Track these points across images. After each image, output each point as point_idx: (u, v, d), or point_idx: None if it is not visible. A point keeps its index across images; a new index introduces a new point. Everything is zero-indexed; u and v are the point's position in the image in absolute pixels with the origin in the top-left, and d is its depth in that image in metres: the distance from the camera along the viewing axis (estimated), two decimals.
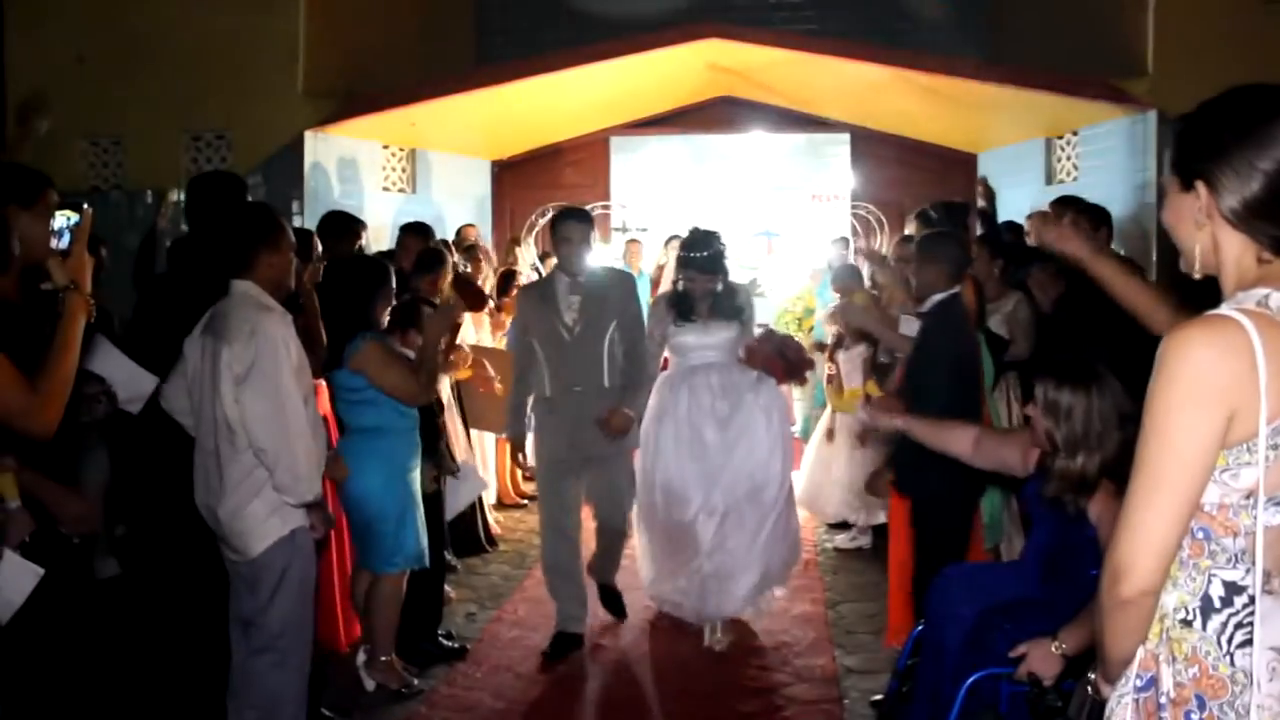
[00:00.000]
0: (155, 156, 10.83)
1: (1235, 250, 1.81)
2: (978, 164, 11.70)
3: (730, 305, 5.61)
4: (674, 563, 5.57)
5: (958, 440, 3.85)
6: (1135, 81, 8.86)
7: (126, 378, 3.84)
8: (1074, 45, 9.96)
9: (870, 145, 12.14)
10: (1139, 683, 1.81)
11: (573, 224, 5.42)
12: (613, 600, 5.89)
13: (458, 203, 11.84)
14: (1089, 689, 1.93)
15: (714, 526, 5.42)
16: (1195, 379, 1.67)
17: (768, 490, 5.48)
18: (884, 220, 11.86)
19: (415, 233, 7.12)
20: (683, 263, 5.63)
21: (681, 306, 5.61)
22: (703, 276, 5.53)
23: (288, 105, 10.17)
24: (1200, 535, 1.77)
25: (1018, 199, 9.89)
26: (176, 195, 10.36)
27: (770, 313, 10.36)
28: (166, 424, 3.91)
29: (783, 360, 5.54)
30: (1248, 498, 1.73)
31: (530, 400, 5.61)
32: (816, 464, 7.64)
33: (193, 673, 4.14)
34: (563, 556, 5.51)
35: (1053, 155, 10.60)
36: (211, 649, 3.97)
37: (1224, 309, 1.74)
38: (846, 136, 12.17)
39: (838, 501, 7.47)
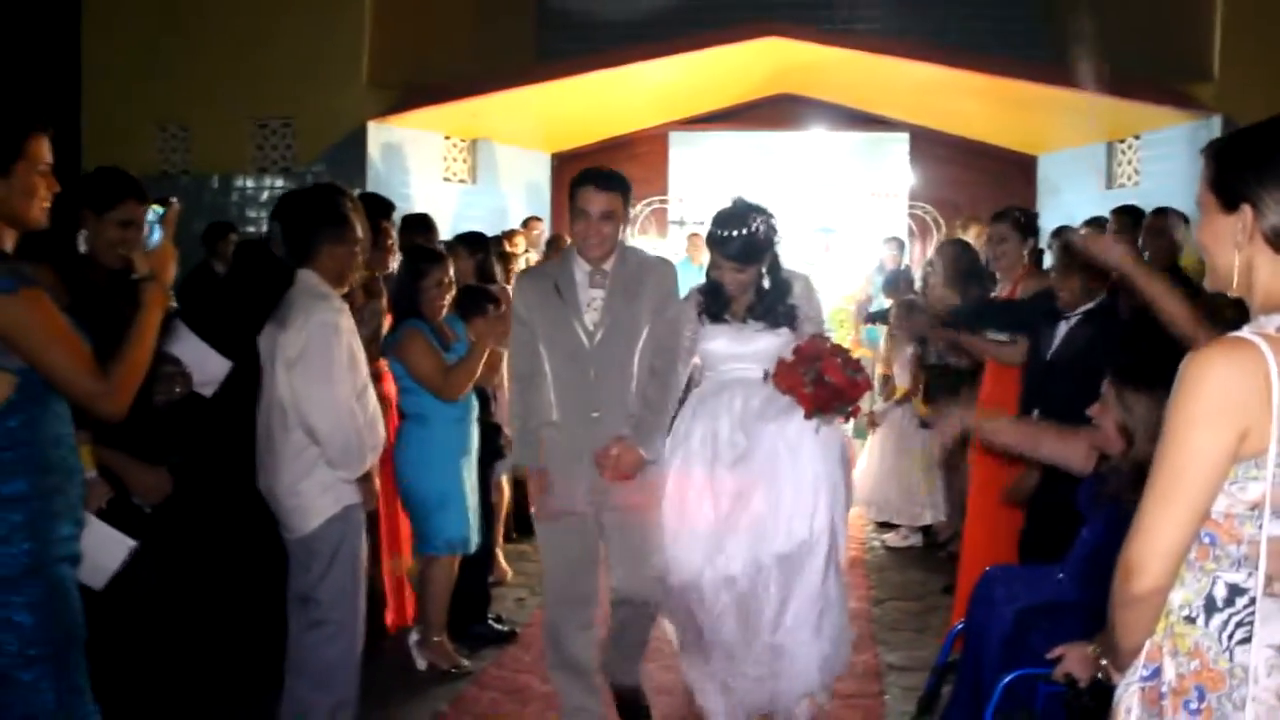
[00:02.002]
0: (222, 143, 11.13)
1: (1266, 272, 1.89)
2: (1037, 166, 11.66)
3: (777, 306, 4.16)
4: (691, 650, 4.28)
5: (1077, 451, 3.75)
6: (1200, 86, 8.82)
7: (202, 362, 3.98)
8: (1137, 48, 9.90)
9: (929, 145, 12.14)
10: (1145, 672, 1.93)
11: (592, 190, 3.96)
12: (634, 713, 4.35)
13: (518, 194, 11.99)
14: (1100, 676, 2.03)
15: (726, 604, 4.04)
16: (1211, 397, 1.79)
17: (804, 556, 4.02)
18: (941, 220, 11.85)
19: (465, 244, 6.40)
20: (711, 244, 4.17)
21: (712, 303, 4.21)
22: (733, 266, 4.08)
23: (352, 95, 10.37)
24: (1207, 540, 1.89)
25: (1079, 203, 9.86)
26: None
27: (824, 311, 10.42)
28: (235, 409, 4.05)
29: (817, 385, 3.97)
30: (1252, 509, 1.85)
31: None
32: (867, 457, 7.69)
33: (253, 647, 4.31)
34: (579, 651, 4.19)
35: (1114, 160, 10.55)
36: (270, 624, 4.11)
37: (1245, 332, 1.84)
38: (905, 135, 12.18)
39: (885, 501, 7.50)
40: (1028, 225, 5.26)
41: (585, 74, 10.29)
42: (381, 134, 10.44)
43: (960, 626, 4.09)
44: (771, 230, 4.12)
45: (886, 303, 8.18)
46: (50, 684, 2.63)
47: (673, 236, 12.13)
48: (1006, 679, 3.48)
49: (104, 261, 3.47)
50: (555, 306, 4.06)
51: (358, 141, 10.35)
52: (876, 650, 5.42)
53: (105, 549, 3.12)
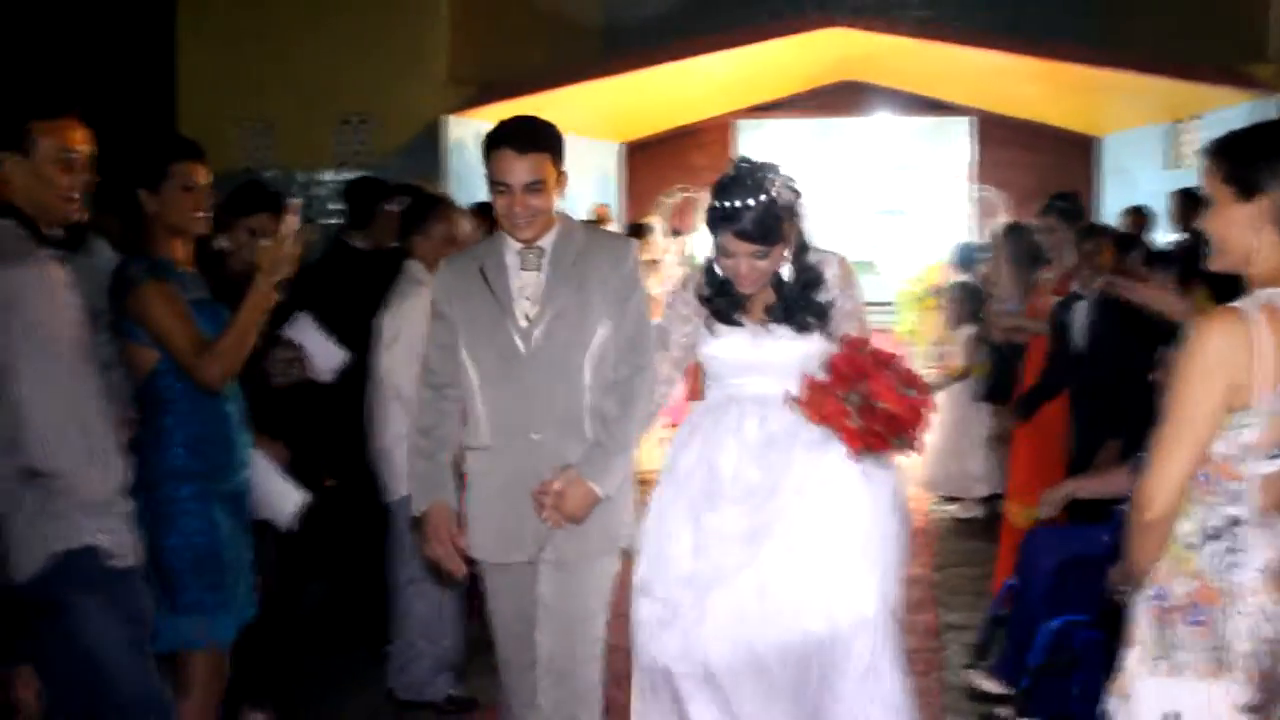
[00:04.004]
0: (304, 139, 11.61)
1: (1271, 252, 2.20)
2: (1099, 147, 11.78)
3: (804, 300, 3.07)
4: None
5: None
6: (1260, 66, 8.92)
7: (320, 349, 4.37)
8: (1197, 29, 10.01)
9: (991, 128, 12.31)
10: (1153, 592, 2.27)
11: (511, 155, 2.94)
12: None
13: (589, 184, 12.34)
14: (1115, 597, 2.36)
15: (712, 704, 2.96)
16: (1205, 356, 2.14)
17: (847, 647, 2.87)
18: (1004, 202, 12.03)
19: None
20: (713, 219, 3.01)
21: (719, 298, 3.12)
22: (748, 249, 2.96)
23: (429, 91, 10.78)
24: (1204, 479, 2.22)
25: (1142, 183, 9.99)
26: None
27: (889, 295, 10.66)
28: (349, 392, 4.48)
29: (866, 413, 2.81)
30: (1246, 451, 2.19)
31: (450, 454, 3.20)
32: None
33: (362, 600, 4.77)
34: None
35: (1175, 140, 10.64)
36: (377, 581, 4.57)
37: (1239, 302, 2.18)
38: (968, 119, 12.35)
39: (945, 477, 7.74)
40: (1072, 211, 5.53)
41: (653, 66, 10.60)
42: (457, 128, 10.84)
43: (1011, 582, 4.40)
44: (795, 196, 3.02)
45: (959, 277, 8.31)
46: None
47: None
48: (1052, 625, 3.80)
49: (234, 259, 3.92)
50: (480, 297, 3.09)
51: (434, 136, 10.77)
52: (937, 612, 5.73)
53: (284, 498, 3.67)
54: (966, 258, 8.60)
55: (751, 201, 2.93)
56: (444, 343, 3.16)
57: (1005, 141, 12.26)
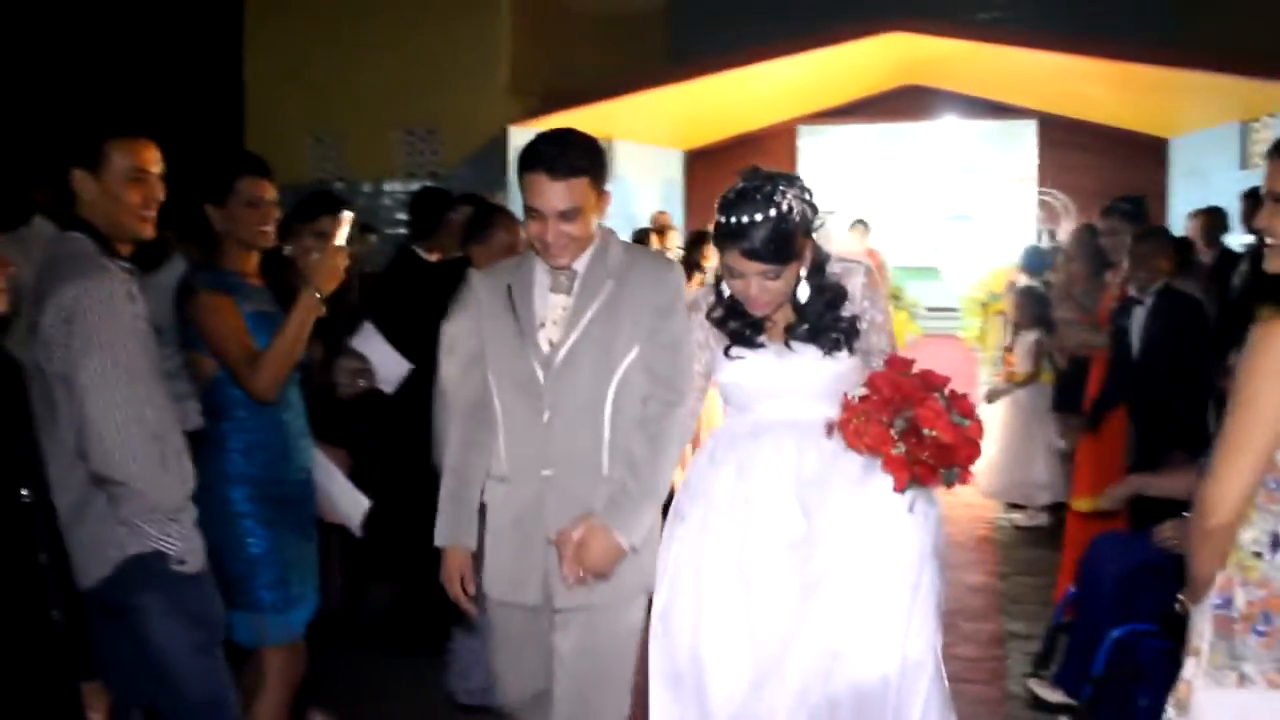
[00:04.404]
0: (370, 150, 11.82)
1: None
2: (1169, 149, 11.60)
3: (829, 320, 2.79)
4: None
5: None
6: None
7: (384, 360, 4.45)
8: (1267, 27, 9.83)
9: (1057, 130, 12.17)
10: (1218, 601, 2.23)
11: (544, 180, 2.69)
12: None
13: (651, 191, 12.39)
14: (1177, 607, 2.33)
15: None
16: (1269, 361, 2.10)
17: (887, 702, 2.65)
18: (1071, 205, 11.89)
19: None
20: (719, 236, 2.72)
21: (739, 324, 2.84)
22: (760, 269, 2.67)
23: (493, 102, 10.91)
24: (1273, 485, 2.18)
25: (1215, 185, 9.81)
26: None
27: (952, 299, 10.58)
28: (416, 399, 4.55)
29: (912, 440, 2.54)
30: None
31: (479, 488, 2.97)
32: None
33: (424, 604, 4.85)
34: None
35: (1249, 139, 10.45)
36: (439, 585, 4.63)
37: None
38: (1033, 122, 12.22)
39: (1010, 484, 7.66)
40: (1135, 214, 5.46)
41: (717, 73, 10.62)
42: (522, 138, 10.83)
43: (1074, 590, 4.35)
44: (809, 208, 2.71)
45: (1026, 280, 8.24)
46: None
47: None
48: (1115, 633, 3.76)
49: (301, 265, 3.98)
50: (504, 318, 2.86)
51: (499, 146, 10.88)
52: (1000, 620, 5.68)
53: (351, 503, 3.76)
54: (1035, 262, 8.51)
55: (760, 217, 2.63)
56: (474, 361, 2.96)
57: (1071, 144, 12.11)
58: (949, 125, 12.39)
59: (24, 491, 2.25)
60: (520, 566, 2.84)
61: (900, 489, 2.60)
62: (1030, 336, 7.26)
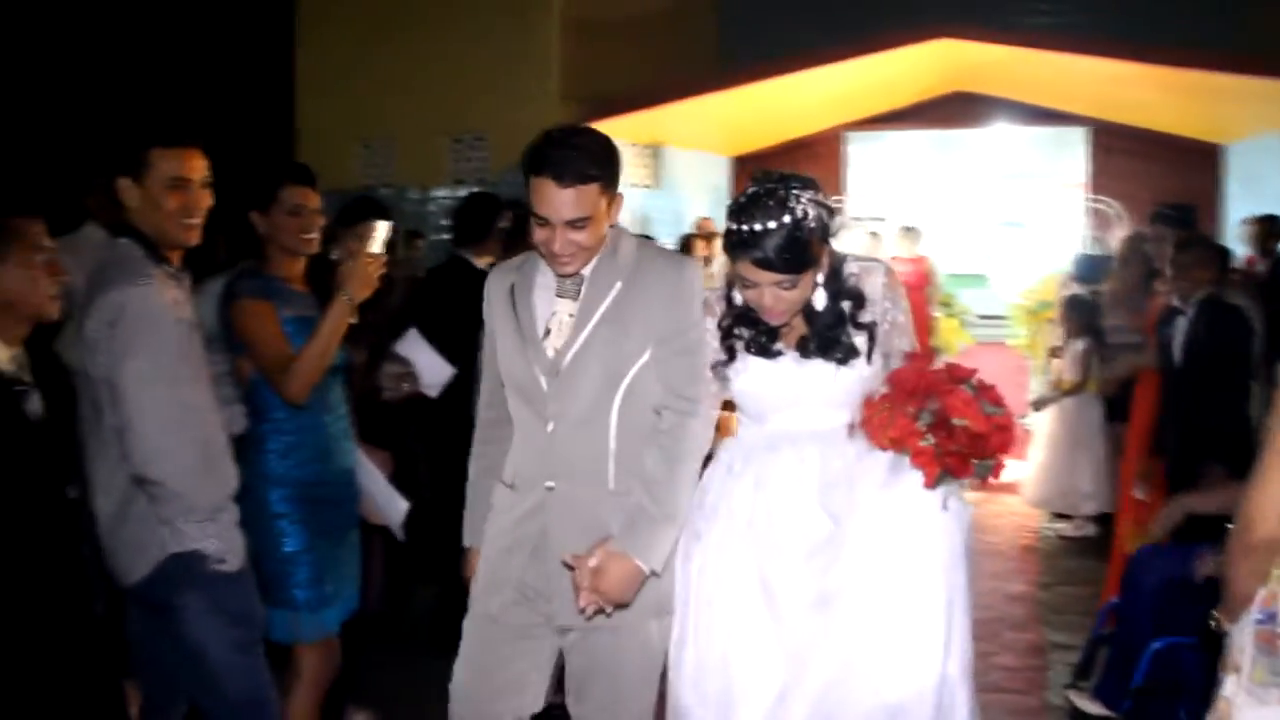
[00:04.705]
0: (419, 156, 11.95)
1: None
2: (1225, 155, 11.43)
3: (840, 332, 2.66)
4: None
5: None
6: None
7: (428, 365, 4.50)
8: None
9: (1109, 137, 12.01)
10: (1260, 616, 2.16)
11: (552, 187, 2.52)
12: None
13: (699, 197, 12.39)
14: (1212, 623, 2.30)
15: None
16: None
17: (916, 715, 2.51)
18: (1123, 212, 11.74)
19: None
20: (730, 245, 2.58)
21: (747, 328, 2.72)
22: (774, 279, 2.53)
23: (543, 109, 10.94)
24: None
25: (1272, 193, 9.64)
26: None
27: (1002, 307, 10.49)
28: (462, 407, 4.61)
29: (941, 432, 2.47)
30: None
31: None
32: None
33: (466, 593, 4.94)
34: None
35: None
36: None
37: None
38: (1084, 129, 12.09)
39: (1056, 494, 7.61)
40: (1181, 220, 5.41)
41: (766, 79, 10.61)
42: None
43: (1115, 601, 4.32)
44: (825, 212, 2.56)
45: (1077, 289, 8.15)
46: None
47: (849, 235, 12.33)
48: (1155, 646, 3.73)
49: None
50: (508, 320, 2.73)
51: None
52: (1042, 630, 5.64)
53: (391, 505, 3.82)
54: (1089, 270, 8.42)
55: (773, 224, 2.48)
56: (491, 365, 2.82)
57: (1123, 151, 11.94)
58: (999, 132, 12.27)
59: (70, 490, 2.31)
60: (515, 576, 2.73)
61: (930, 484, 2.50)
62: (1078, 345, 7.20)
